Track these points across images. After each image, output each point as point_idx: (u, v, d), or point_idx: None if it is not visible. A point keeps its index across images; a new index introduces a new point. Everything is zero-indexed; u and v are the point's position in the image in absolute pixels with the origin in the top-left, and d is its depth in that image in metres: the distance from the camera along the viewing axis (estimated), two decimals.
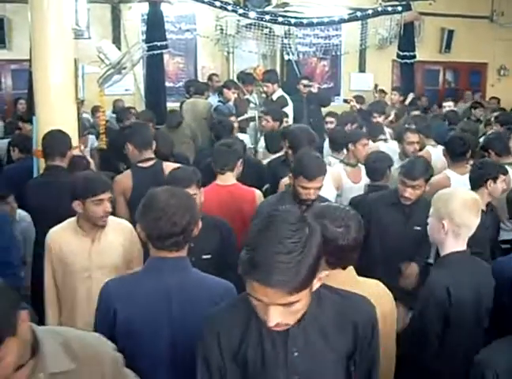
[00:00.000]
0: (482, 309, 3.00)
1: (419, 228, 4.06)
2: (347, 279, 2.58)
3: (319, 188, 3.87)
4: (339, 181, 5.42)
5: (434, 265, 3.09)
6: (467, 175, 4.74)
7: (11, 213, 4.91)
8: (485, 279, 3.05)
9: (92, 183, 3.55)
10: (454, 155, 5.34)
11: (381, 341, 2.54)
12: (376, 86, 11.88)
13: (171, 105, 9.54)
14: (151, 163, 4.91)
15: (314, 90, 9.26)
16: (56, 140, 4.90)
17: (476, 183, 4.51)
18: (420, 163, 4.34)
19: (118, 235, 3.67)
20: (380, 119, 8.02)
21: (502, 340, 2.33)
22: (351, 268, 2.64)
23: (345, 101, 10.99)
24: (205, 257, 3.66)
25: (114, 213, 3.92)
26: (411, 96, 10.02)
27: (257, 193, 4.62)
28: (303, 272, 1.77)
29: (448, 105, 9.80)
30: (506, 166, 5.29)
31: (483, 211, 4.42)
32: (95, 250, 3.57)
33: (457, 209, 2.95)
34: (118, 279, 2.73)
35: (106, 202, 3.54)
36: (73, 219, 3.65)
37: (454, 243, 3.00)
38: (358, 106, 9.76)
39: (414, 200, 4.22)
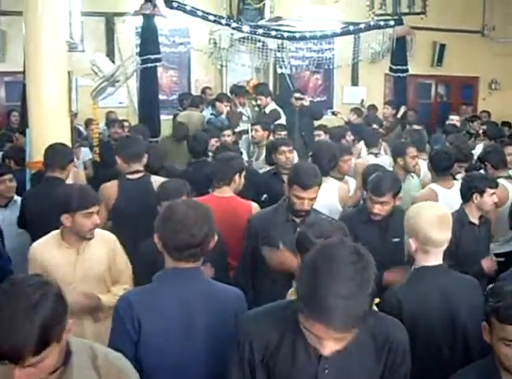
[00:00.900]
0: (457, 328, 2.91)
1: (397, 239, 3.98)
2: None
3: (314, 199, 3.86)
4: (346, 197, 5.33)
5: (407, 280, 3.05)
6: (453, 189, 4.76)
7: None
8: (466, 297, 2.96)
9: (84, 196, 3.56)
10: (439, 169, 5.34)
11: None
12: (362, 101, 11.93)
13: (165, 118, 9.55)
14: (139, 175, 4.92)
15: (306, 103, 9.30)
16: (58, 153, 4.94)
17: (464, 197, 4.54)
18: (387, 179, 4.24)
19: (102, 247, 3.68)
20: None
21: (468, 367, 2.35)
22: None
23: (333, 114, 11.05)
24: None
25: None
26: (402, 109, 10.07)
27: (254, 205, 4.63)
28: (363, 312, 1.79)
29: (454, 118, 9.88)
30: (503, 179, 5.38)
31: (475, 224, 4.48)
32: (80, 262, 3.57)
33: (422, 227, 2.91)
34: (137, 291, 2.70)
35: (95, 215, 3.57)
36: (56, 232, 3.64)
37: (426, 258, 2.96)
38: (346, 118, 9.83)
39: (384, 215, 4.15)
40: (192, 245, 2.53)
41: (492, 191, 4.47)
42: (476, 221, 4.49)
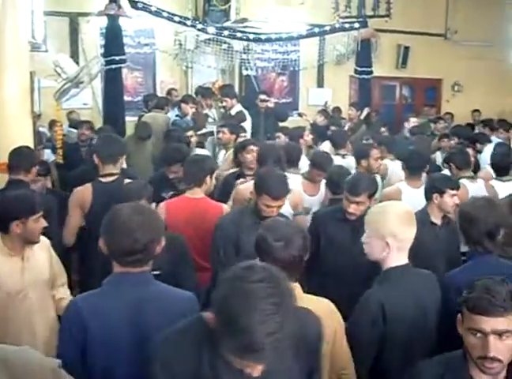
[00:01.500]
0: (428, 325, 2.97)
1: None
2: (298, 293, 2.59)
3: (282, 206, 3.92)
4: (296, 200, 5.37)
5: (375, 281, 3.06)
6: (421, 188, 4.82)
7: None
8: (431, 293, 3.04)
9: (33, 201, 3.47)
10: (411, 169, 5.47)
11: (329, 357, 2.59)
12: (326, 103, 12.02)
13: (130, 119, 9.48)
14: (112, 178, 4.80)
15: (271, 105, 9.30)
16: (22, 156, 4.89)
17: (427, 197, 4.59)
18: (364, 179, 4.32)
19: (42, 251, 3.62)
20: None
21: (437, 356, 2.39)
22: (296, 286, 2.63)
23: (299, 115, 11.11)
24: (154, 272, 3.64)
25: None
26: (366, 111, 10.16)
27: (225, 207, 4.65)
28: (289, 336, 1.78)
29: (412, 120, 10.01)
30: (465, 180, 5.49)
31: (436, 225, 4.53)
32: (27, 269, 3.47)
33: (397, 225, 2.94)
34: (84, 296, 2.65)
35: (42, 218, 3.48)
36: None
37: (397, 258, 2.98)
38: (311, 120, 9.88)
39: (359, 215, 4.20)
40: (135, 251, 2.49)
41: (453, 192, 4.49)
42: (437, 221, 4.52)
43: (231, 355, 1.78)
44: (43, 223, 3.48)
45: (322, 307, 2.72)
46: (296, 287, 2.64)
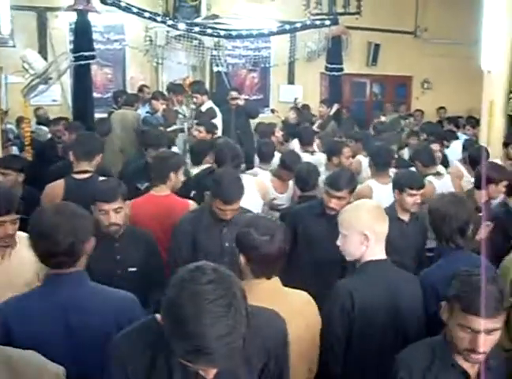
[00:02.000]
0: (399, 320, 2.99)
1: None
2: (272, 289, 2.64)
3: (237, 209, 3.87)
4: (265, 190, 5.43)
5: (355, 272, 3.10)
6: (389, 185, 4.85)
7: None
8: (404, 289, 3.06)
9: None
10: (379, 165, 5.49)
11: (304, 350, 2.60)
12: (296, 99, 12.04)
13: (99, 116, 9.39)
14: (86, 175, 4.75)
15: (241, 102, 9.28)
16: None
17: (393, 193, 4.65)
18: (345, 175, 4.38)
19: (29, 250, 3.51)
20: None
21: (420, 342, 2.43)
22: (276, 279, 2.68)
23: (272, 111, 11.13)
24: (131, 269, 3.67)
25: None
26: (335, 107, 10.20)
27: (192, 203, 4.62)
28: (243, 336, 1.75)
29: (381, 119, 10.12)
30: (432, 177, 5.58)
31: (403, 221, 4.57)
32: (2, 270, 3.35)
33: (372, 219, 3.00)
34: (14, 298, 2.59)
35: (7, 224, 3.28)
36: None
37: (375, 252, 3.02)
38: (282, 117, 9.90)
39: (339, 210, 4.23)
40: (57, 254, 2.45)
41: (412, 191, 4.49)
42: (405, 218, 4.56)
43: (182, 359, 1.75)
44: (7, 229, 3.28)
45: (300, 299, 2.78)
46: (276, 281, 2.69)
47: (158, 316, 1.91)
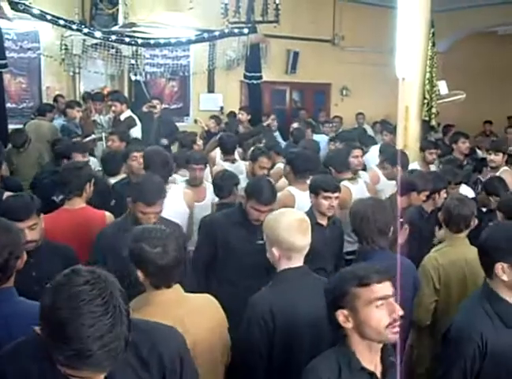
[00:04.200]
0: (323, 327, 2.95)
1: (262, 242, 4.05)
2: (173, 298, 2.65)
3: (159, 212, 3.86)
4: (193, 200, 5.38)
5: (271, 283, 3.08)
6: (308, 191, 4.89)
7: None
8: (322, 296, 3.07)
9: None
10: (298, 172, 5.48)
11: (210, 352, 2.59)
12: (222, 108, 12.03)
13: (14, 127, 9.08)
14: None
15: (156, 110, 9.19)
16: None
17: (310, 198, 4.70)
18: (270, 187, 4.34)
19: None
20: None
21: (323, 355, 2.43)
22: (177, 286, 2.69)
23: (195, 121, 11.09)
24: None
25: None
26: (271, 119, 10.34)
27: (107, 215, 4.52)
28: (125, 337, 1.72)
29: (294, 126, 10.23)
30: (347, 182, 5.67)
31: (322, 225, 4.61)
32: None
33: (283, 235, 2.95)
34: None
35: None
36: None
37: (288, 264, 3.00)
38: (206, 127, 9.87)
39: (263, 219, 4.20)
40: None
41: (326, 194, 4.55)
42: (323, 222, 4.61)
43: (66, 368, 1.70)
44: None
45: (202, 301, 2.81)
46: (176, 288, 2.70)
47: (37, 328, 1.85)
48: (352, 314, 2.31)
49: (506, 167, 6.52)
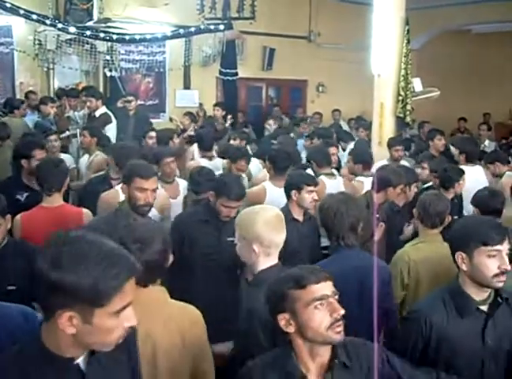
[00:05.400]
0: None
1: (231, 239, 4.03)
2: (157, 298, 2.58)
3: (155, 190, 3.99)
4: (164, 204, 5.31)
5: (251, 284, 3.04)
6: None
7: None
8: None
9: None
10: (278, 168, 5.51)
11: (177, 359, 2.55)
12: (201, 105, 11.99)
13: None
14: None
15: (131, 107, 9.13)
16: None
17: (287, 194, 4.70)
18: (238, 183, 4.36)
19: None
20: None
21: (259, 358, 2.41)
22: (163, 289, 2.62)
23: (170, 120, 11.01)
24: (10, 288, 3.38)
25: None
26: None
27: (85, 211, 4.46)
28: None
29: (270, 123, 10.23)
30: (324, 177, 5.76)
31: (298, 221, 4.62)
32: None
33: (263, 231, 2.89)
34: None
35: None
36: None
37: (266, 261, 2.95)
38: (181, 125, 9.81)
39: (233, 216, 4.19)
40: None
41: (310, 188, 4.60)
42: (299, 218, 4.62)
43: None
44: None
45: (188, 314, 2.67)
46: (161, 291, 2.61)
47: None
48: (292, 317, 2.29)
49: (509, 173, 6.32)
